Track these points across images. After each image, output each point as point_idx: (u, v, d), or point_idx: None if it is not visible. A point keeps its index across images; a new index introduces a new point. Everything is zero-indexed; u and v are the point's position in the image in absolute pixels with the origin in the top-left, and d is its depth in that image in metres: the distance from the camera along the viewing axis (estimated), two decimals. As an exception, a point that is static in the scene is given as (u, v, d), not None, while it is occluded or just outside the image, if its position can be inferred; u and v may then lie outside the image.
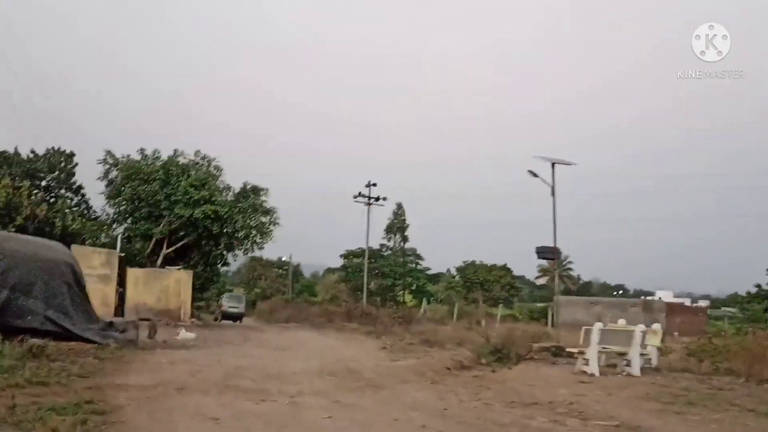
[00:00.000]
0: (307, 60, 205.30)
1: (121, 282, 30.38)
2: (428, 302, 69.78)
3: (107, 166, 33.51)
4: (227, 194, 33.65)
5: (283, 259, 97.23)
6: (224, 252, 33.82)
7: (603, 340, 15.09)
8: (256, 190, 33.59)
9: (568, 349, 16.29)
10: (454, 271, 66.75)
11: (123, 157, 33.50)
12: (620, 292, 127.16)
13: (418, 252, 70.20)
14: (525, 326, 39.53)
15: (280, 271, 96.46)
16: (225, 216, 31.97)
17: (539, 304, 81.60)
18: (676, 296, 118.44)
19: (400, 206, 69.55)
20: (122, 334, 17.11)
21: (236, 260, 36.54)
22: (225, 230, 32.43)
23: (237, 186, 34.09)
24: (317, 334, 29.88)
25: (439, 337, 22.49)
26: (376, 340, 25.36)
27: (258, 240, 33.59)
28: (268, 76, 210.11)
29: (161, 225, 32.28)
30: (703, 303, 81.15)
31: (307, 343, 23.08)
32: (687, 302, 73.34)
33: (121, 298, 30.32)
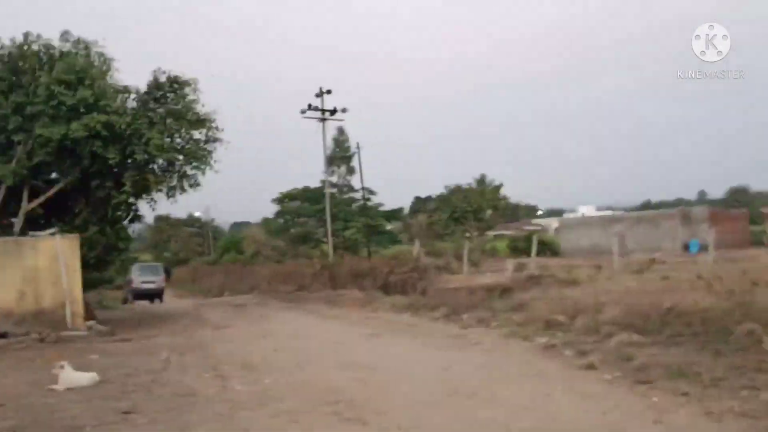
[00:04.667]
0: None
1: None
2: (389, 244, 57.71)
3: None
4: (126, 99, 19.50)
5: (196, 214, 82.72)
6: (131, 198, 19.82)
7: None
8: (176, 85, 19.46)
9: None
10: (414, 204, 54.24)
11: (-72, 49, 18.76)
12: (539, 213, 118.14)
13: (367, 186, 57.10)
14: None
15: (192, 229, 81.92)
16: (128, 132, 18.02)
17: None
18: (598, 209, 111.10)
19: (342, 131, 55.99)
20: None
21: (155, 210, 21.97)
22: (131, 158, 18.50)
23: (142, 85, 19.89)
24: (326, 322, 16.92)
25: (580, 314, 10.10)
26: (459, 328, 12.76)
27: (189, 171, 19.72)
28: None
29: (14, 160, 18.14)
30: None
31: (381, 373, 9.97)
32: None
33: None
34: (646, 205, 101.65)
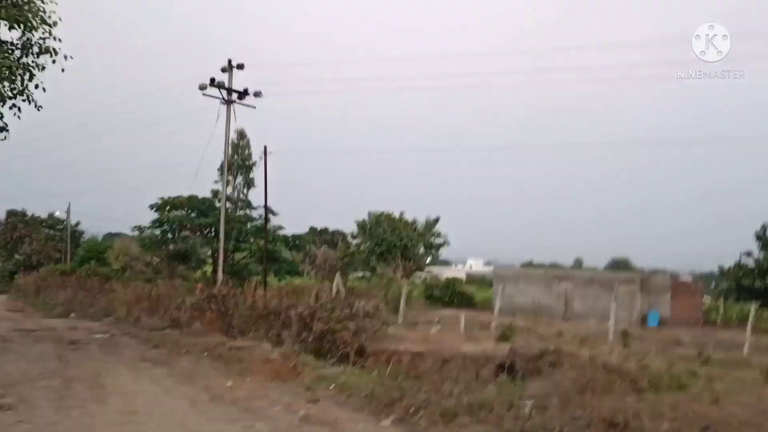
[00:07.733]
0: None
1: None
2: (285, 275, 49.04)
3: None
4: None
5: (56, 214, 71.09)
6: None
7: None
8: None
9: None
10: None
11: None
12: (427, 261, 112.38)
13: (266, 204, 47.94)
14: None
15: (52, 231, 70.23)
16: None
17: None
18: (485, 264, 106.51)
19: (242, 134, 46.97)
20: None
21: None
22: None
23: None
24: (222, 424, 8.28)
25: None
26: None
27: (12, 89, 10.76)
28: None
29: None
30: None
31: None
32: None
33: None
34: (528, 264, 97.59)
